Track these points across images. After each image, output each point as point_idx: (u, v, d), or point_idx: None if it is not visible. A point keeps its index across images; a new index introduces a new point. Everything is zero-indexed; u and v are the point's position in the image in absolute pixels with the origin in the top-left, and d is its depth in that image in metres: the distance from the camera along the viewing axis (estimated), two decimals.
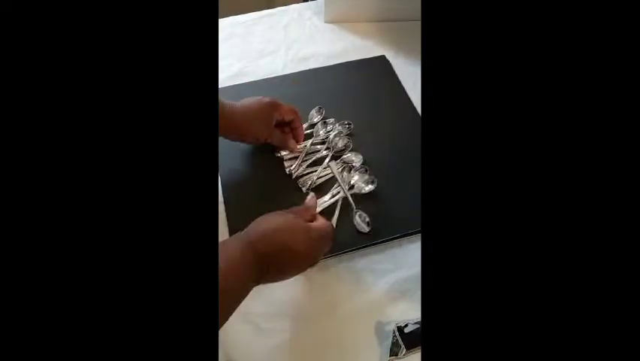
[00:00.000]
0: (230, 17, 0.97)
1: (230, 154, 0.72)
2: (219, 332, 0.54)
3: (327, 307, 0.58)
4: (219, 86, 0.81)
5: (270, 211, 0.54)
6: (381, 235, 0.63)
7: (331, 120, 0.76)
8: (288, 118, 0.70)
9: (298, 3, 1.02)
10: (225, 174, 0.70)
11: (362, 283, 0.60)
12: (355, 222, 0.64)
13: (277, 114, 0.68)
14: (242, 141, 0.70)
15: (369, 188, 0.67)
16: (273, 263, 0.49)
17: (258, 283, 0.50)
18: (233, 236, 0.51)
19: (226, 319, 0.47)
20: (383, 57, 0.88)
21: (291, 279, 0.60)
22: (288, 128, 0.73)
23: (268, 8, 0.99)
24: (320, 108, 0.78)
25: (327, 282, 0.60)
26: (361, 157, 0.71)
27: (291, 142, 0.72)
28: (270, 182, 0.70)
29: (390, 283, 0.60)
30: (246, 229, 0.51)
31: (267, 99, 0.68)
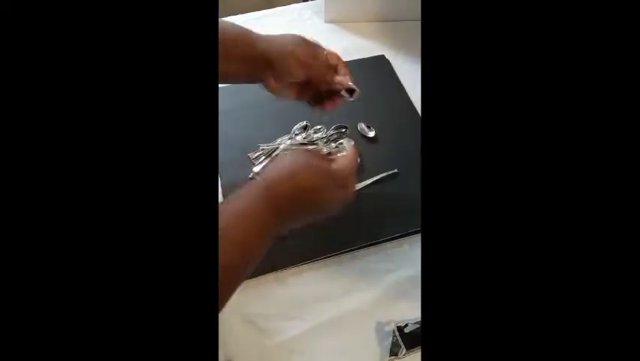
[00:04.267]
0: (230, 17, 0.97)
1: (231, 155, 0.72)
2: (219, 331, 0.54)
3: (326, 307, 0.58)
4: (219, 86, 0.81)
5: None
6: (381, 235, 0.63)
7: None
8: (331, 61, 0.60)
9: (298, 3, 1.02)
10: (225, 176, 0.70)
11: (362, 283, 0.60)
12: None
13: (318, 54, 0.58)
14: (268, 86, 0.59)
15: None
16: (293, 208, 0.47)
17: (279, 232, 0.47)
18: (249, 183, 0.47)
19: (246, 274, 0.44)
20: (383, 57, 0.88)
21: (291, 280, 0.60)
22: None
23: (268, 8, 0.99)
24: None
25: (327, 282, 0.60)
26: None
27: (339, 77, 0.60)
28: None
29: (390, 283, 0.60)
30: (263, 172, 0.48)
31: (305, 37, 0.59)
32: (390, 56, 0.88)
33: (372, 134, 0.75)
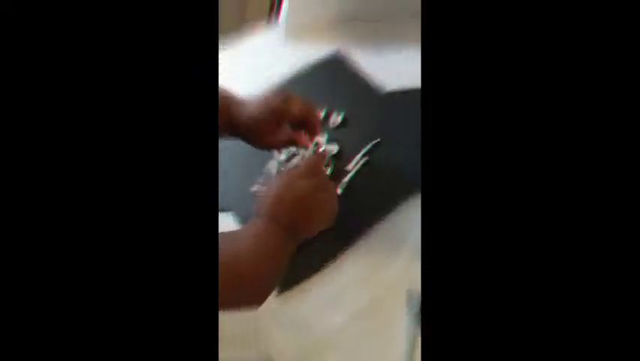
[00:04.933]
0: None
1: (231, 157, 0.71)
2: (258, 328, 0.53)
3: (360, 294, 0.57)
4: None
5: None
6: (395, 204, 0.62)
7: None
8: (301, 113, 0.59)
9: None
10: (226, 179, 0.69)
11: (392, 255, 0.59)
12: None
13: (288, 107, 0.59)
14: (253, 145, 0.62)
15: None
16: (296, 218, 0.52)
17: (293, 245, 0.52)
18: (251, 222, 0.53)
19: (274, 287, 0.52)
20: (338, 52, 0.84)
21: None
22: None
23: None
24: None
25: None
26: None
27: (303, 137, 0.61)
28: None
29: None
30: (258, 206, 0.53)
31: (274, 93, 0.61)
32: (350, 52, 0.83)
33: (339, 119, 0.73)
